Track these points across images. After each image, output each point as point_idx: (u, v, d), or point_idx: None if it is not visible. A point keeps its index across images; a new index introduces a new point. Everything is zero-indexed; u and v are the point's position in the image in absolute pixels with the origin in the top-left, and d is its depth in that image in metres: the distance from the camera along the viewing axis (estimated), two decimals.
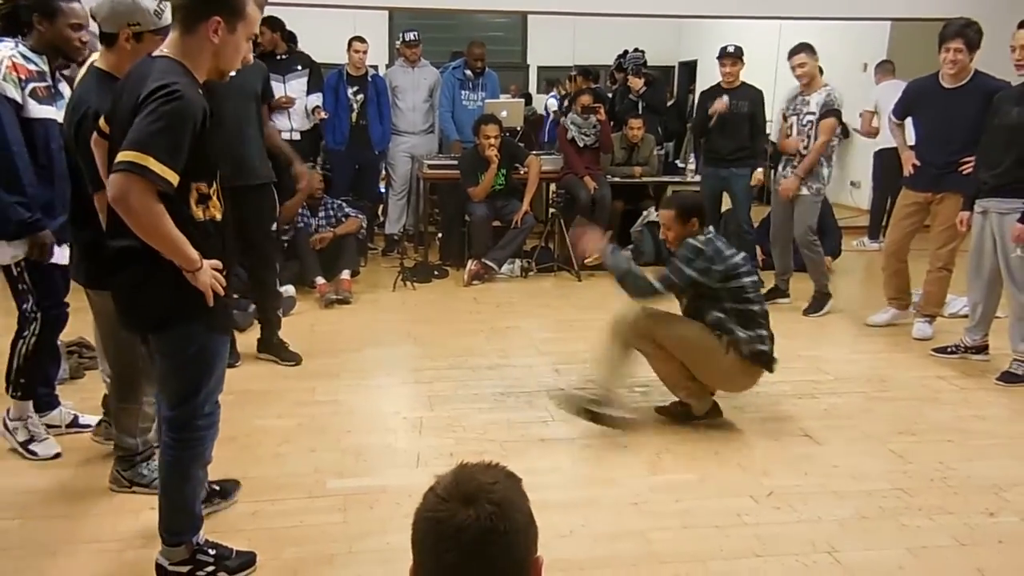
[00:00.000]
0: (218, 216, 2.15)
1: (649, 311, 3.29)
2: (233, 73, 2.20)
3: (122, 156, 1.87)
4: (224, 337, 2.24)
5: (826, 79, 5.26)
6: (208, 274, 2.05)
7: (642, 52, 7.92)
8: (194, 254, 2.00)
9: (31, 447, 3.00)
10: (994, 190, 3.89)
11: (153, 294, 2.08)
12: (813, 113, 4.96)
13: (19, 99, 2.75)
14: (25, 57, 2.81)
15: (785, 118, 5.18)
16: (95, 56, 2.57)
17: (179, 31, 2.04)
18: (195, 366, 2.15)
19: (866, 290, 6.05)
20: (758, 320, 3.25)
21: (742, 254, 3.32)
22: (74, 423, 3.23)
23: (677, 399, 3.42)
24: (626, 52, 8.19)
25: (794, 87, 5.19)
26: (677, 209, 3.35)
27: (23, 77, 2.77)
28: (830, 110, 4.91)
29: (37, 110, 2.80)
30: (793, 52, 5.04)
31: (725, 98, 5.55)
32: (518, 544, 1.07)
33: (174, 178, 1.92)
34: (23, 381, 2.97)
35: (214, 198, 2.13)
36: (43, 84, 2.86)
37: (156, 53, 2.07)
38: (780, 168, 5.20)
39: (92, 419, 3.19)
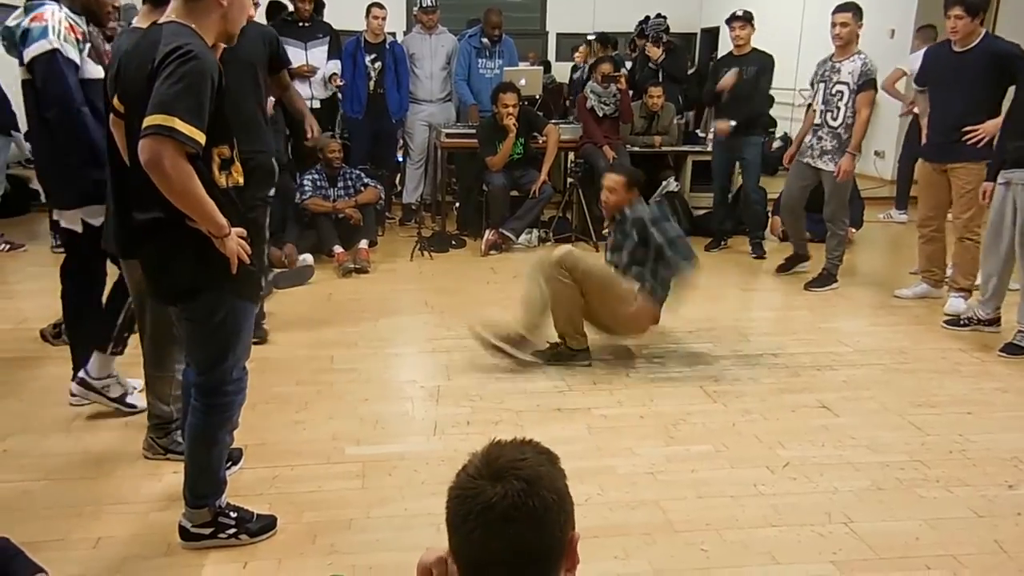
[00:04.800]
0: (241, 182, 2.16)
1: (577, 250, 3.67)
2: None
3: (148, 120, 1.88)
4: (251, 304, 2.26)
5: (859, 46, 5.08)
6: (235, 241, 2.06)
7: (664, 18, 7.77)
8: (223, 219, 2.01)
9: (129, 400, 3.02)
10: (1018, 161, 3.82)
11: (180, 263, 2.09)
12: (844, 83, 4.76)
13: (78, 61, 2.81)
14: (72, 19, 2.85)
15: (812, 84, 5.03)
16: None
17: None
18: (223, 333, 2.18)
19: (887, 262, 5.99)
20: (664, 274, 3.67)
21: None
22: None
23: (551, 343, 3.75)
24: (647, 18, 8.05)
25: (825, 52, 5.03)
26: (628, 177, 3.74)
27: (79, 38, 2.82)
28: (867, 80, 4.71)
29: (93, 70, 2.85)
30: (840, 9, 4.79)
31: (732, 73, 5.48)
32: (548, 521, 1.04)
33: (201, 137, 1.92)
34: (126, 335, 2.96)
35: (236, 163, 2.13)
36: (89, 45, 2.91)
37: (162, 20, 2.05)
38: (808, 138, 4.98)
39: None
